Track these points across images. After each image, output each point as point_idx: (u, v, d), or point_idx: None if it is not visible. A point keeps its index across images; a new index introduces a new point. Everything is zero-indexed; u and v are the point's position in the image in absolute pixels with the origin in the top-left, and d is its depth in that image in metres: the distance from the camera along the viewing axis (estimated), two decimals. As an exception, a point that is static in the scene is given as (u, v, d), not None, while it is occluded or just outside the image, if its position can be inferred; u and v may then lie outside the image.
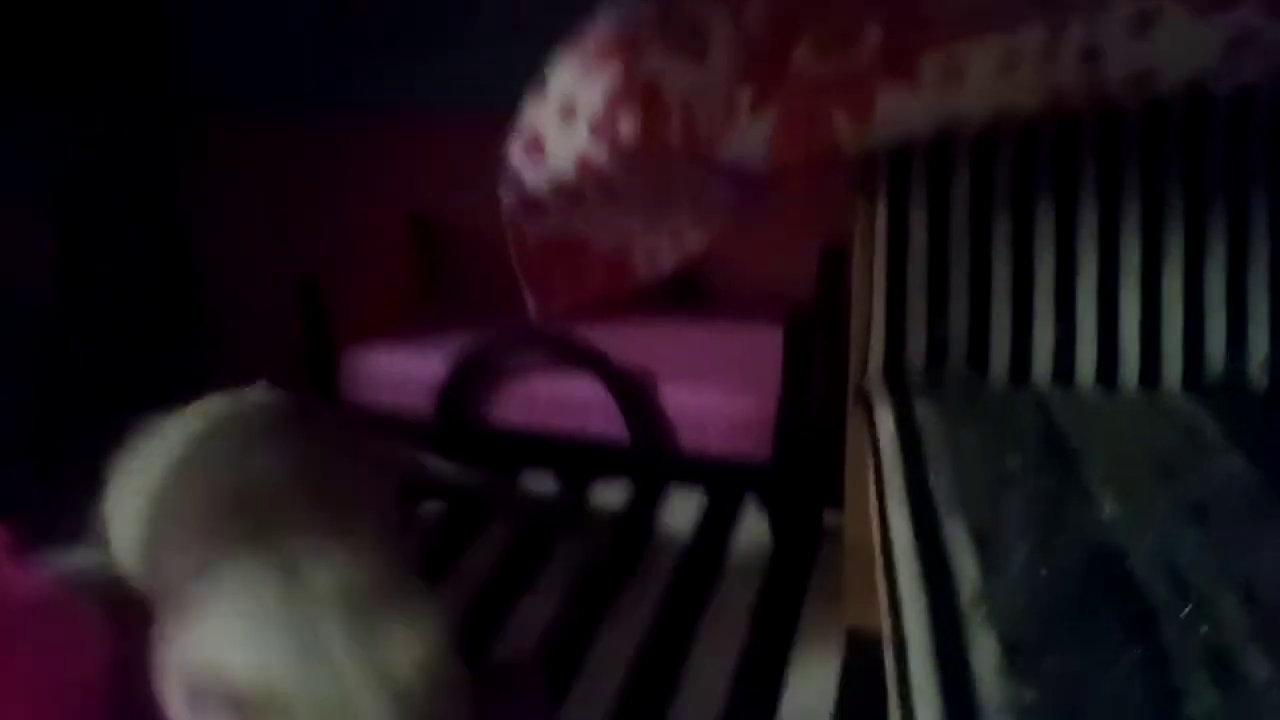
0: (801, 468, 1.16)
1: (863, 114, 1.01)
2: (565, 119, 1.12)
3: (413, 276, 1.47)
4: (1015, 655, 0.71)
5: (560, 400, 1.19)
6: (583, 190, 1.16)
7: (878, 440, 0.98)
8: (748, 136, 1.06)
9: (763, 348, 1.20)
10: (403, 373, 1.26)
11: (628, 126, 1.09)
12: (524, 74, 1.18)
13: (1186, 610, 0.73)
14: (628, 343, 1.23)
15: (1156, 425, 0.97)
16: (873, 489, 0.94)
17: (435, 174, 1.50)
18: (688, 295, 1.40)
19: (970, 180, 1.06)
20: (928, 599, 0.77)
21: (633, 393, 1.15)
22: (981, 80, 0.97)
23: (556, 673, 1.12)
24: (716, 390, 1.16)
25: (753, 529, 1.29)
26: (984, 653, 0.71)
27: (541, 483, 1.37)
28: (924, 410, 1.00)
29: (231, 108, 1.60)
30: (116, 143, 1.56)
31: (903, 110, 1.00)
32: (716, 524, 1.29)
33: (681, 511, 1.32)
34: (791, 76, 1.05)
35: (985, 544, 0.82)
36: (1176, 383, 1.03)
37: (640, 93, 1.09)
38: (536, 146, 1.16)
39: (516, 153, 1.18)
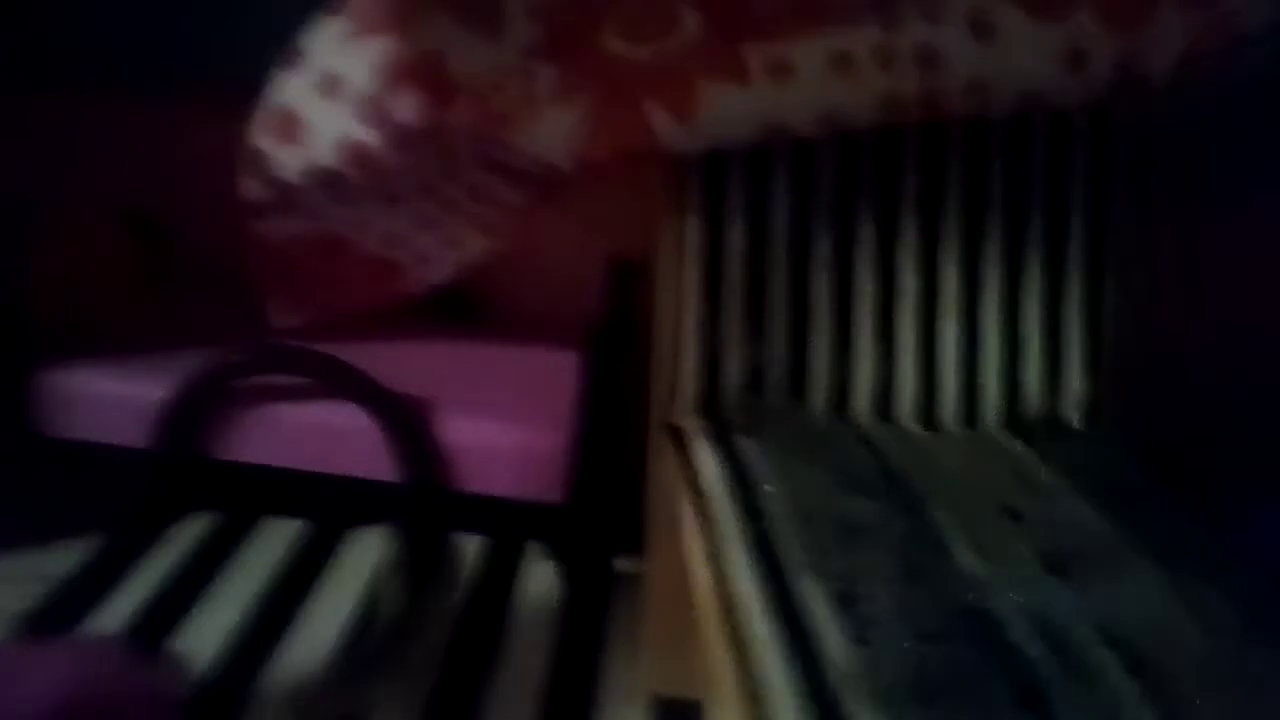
0: (597, 511, 1.02)
1: (684, 110, 0.89)
2: (327, 96, 0.93)
3: (128, 280, 1.20)
4: (907, 745, 0.60)
5: (314, 431, 0.98)
6: (346, 179, 0.97)
7: (699, 485, 0.85)
8: (550, 126, 0.91)
9: (551, 373, 1.04)
10: (112, 398, 1.00)
11: (405, 107, 0.92)
12: (271, 44, 0.98)
13: (1074, 685, 0.66)
14: (397, 364, 1.03)
15: (988, 466, 0.90)
16: (698, 543, 0.81)
17: (158, 159, 1.24)
18: (458, 309, 1.22)
19: (790, 192, 0.97)
20: (795, 678, 0.65)
21: (405, 423, 0.96)
22: (812, 79, 0.88)
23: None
24: (502, 422, 1.00)
25: (539, 580, 1.13)
26: (871, 744, 0.60)
27: (289, 530, 1.15)
28: (749, 449, 0.89)
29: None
30: None
31: (728, 108, 0.90)
32: (499, 574, 1.12)
33: (460, 560, 1.14)
34: (602, 61, 0.92)
35: (847, 607, 0.71)
36: (995, 420, 0.98)
37: (420, 69, 0.92)
38: (289, 128, 0.96)
39: (263, 135, 0.98)
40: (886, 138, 0.96)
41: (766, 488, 0.83)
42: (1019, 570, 0.76)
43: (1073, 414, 0.98)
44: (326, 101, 0.94)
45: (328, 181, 0.97)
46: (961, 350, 0.98)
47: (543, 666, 1.04)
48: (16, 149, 1.18)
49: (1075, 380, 0.99)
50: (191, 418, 0.96)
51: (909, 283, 0.97)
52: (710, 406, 0.95)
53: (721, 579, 0.76)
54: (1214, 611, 0.74)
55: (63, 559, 1.12)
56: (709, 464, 0.87)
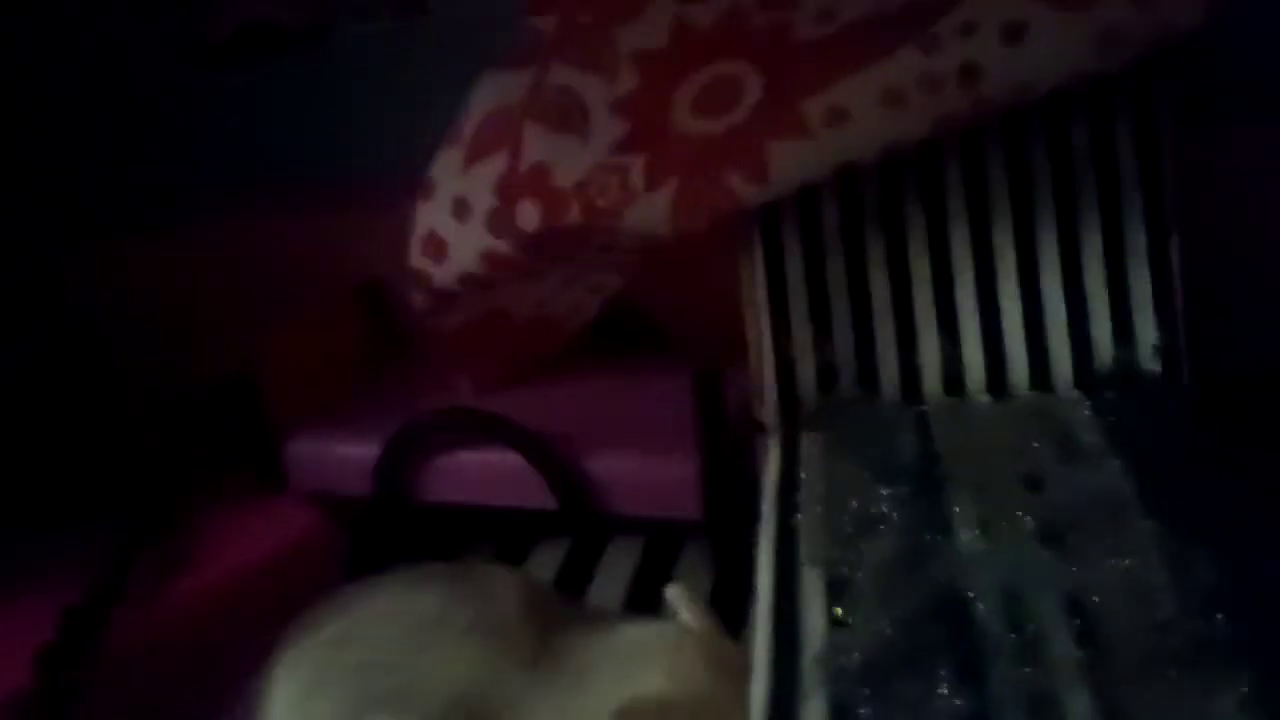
0: (732, 519, 1.16)
1: (759, 173, 0.98)
2: (460, 218, 1.14)
3: (364, 351, 1.49)
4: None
5: (487, 474, 1.23)
6: (492, 278, 1.17)
7: (762, 482, 0.99)
8: (647, 210, 1.03)
9: (679, 397, 1.19)
10: (340, 457, 1.30)
11: (526, 217, 1.08)
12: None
13: (1018, 657, 0.74)
14: (550, 409, 1.24)
15: (1037, 433, 0.96)
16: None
17: (388, 240, 1.48)
18: (627, 331, 1.39)
19: (839, 200, 1.06)
20: (772, 662, 0.79)
21: (554, 462, 1.17)
22: (868, 118, 0.95)
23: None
24: (639, 453, 1.17)
25: (694, 563, 1.28)
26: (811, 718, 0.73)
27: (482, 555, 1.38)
28: (808, 444, 1.01)
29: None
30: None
31: (797, 161, 0.98)
32: (658, 565, 1.29)
33: (623, 560, 1.31)
34: (678, 142, 1.03)
35: (838, 595, 0.83)
36: (1067, 380, 1.02)
37: (531, 181, 1.08)
38: (436, 246, 1.17)
39: (416, 254, 1.20)
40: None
41: (809, 484, 0.96)
42: (1013, 545, 0.84)
43: (1149, 361, 1.00)
44: (461, 222, 1.14)
45: (478, 283, 1.18)
46: (1026, 319, 1.03)
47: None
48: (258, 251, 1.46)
49: (1148, 329, 1.00)
50: (399, 470, 1.23)
51: (965, 265, 1.04)
52: (788, 407, 1.07)
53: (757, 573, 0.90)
54: (1196, 576, 0.77)
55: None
56: (772, 463, 1.01)
